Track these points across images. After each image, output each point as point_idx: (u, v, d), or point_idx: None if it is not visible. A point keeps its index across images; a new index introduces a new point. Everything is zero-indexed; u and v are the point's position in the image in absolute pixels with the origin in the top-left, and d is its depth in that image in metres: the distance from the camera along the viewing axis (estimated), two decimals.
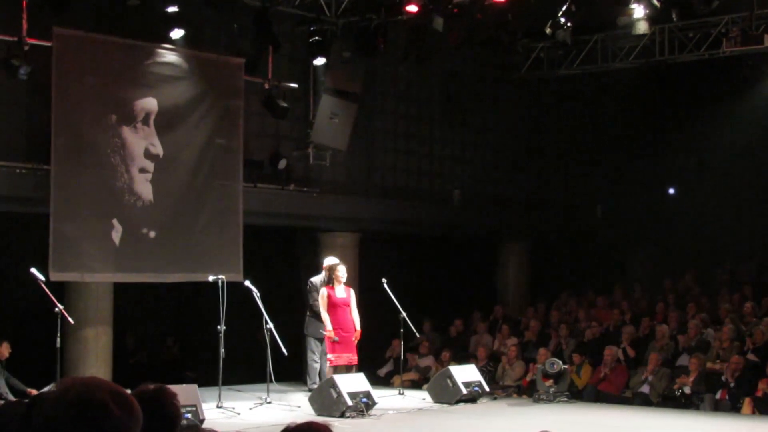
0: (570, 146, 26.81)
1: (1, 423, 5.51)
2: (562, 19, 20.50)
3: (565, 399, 18.47)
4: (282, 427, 4.30)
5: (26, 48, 16.21)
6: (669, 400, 18.08)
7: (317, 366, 19.04)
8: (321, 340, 18.89)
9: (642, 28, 20.38)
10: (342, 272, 18.20)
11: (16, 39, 16.17)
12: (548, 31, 20.79)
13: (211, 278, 16.95)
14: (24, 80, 16.20)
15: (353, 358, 18.02)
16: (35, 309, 16.44)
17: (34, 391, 16.08)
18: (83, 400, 3.07)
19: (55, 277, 16.48)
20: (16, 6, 16.21)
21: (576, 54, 23.23)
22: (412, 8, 18.81)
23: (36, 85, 16.71)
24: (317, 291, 18.69)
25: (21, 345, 17.28)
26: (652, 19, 20.36)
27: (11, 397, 16.32)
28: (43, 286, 15.46)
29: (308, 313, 19.18)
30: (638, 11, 19.90)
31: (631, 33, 20.81)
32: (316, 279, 19.01)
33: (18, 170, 16.84)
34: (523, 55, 24.01)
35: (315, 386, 18.20)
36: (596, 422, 16.50)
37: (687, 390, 17.94)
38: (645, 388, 18.46)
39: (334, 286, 18.11)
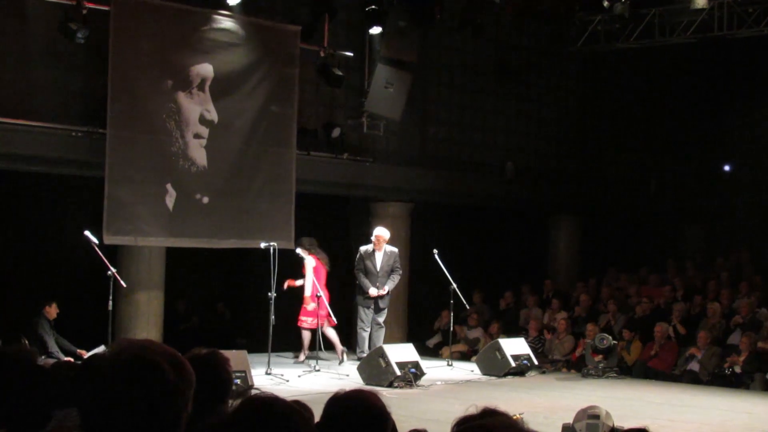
0: (625, 120, 26.60)
1: (55, 382, 5.57)
2: None
3: (614, 375, 18.41)
4: (330, 395, 4.31)
5: (84, 12, 16.28)
6: (719, 378, 17.98)
7: (366, 335, 19.07)
8: (370, 308, 19.00)
9: (701, 2, 20.23)
10: None
11: (74, 3, 16.25)
12: (606, 4, 20.69)
13: (262, 245, 17.01)
14: (81, 44, 16.29)
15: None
16: (88, 272, 16.57)
17: (84, 352, 16.27)
18: (138, 361, 3.09)
19: (108, 240, 16.61)
20: None
21: (633, 28, 22.98)
22: None
23: (93, 49, 16.79)
24: (359, 258, 19.24)
25: (73, 307, 17.44)
26: None
27: (62, 356, 16.51)
28: (97, 249, 15.59)
29: (358, 282, 19.23)
30: None
31: (689, 7, 20.62)
32: (365, 248, 19.11)
33: (74, 133, 16.95)
34: (580, 28, 23.85)
35: (363, 355, 18.37)
36: (645, 398, 16.41)
37: (737, 369, 17.83)
38: (695, 366, 18.37)
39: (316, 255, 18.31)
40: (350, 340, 19.94)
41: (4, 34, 15.99)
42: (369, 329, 19.08)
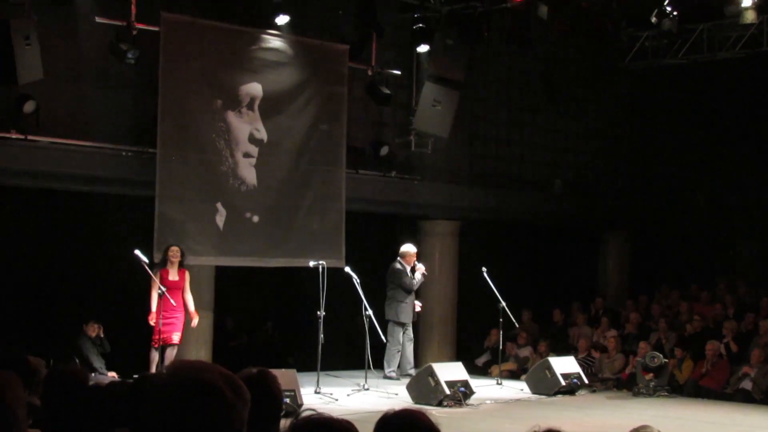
0: (673, 136, 26.44)
1: (106, 401, 5.60)
2: (668, 8, 20.27)
3: (666, 393, 18.29)
4: (379, 414, 4.30)
5: (134, 32, 16.45)
6: None
7: (399, 354, 19.13)
8: (403, 325, 19.08)
9: (750, 17, 20.09)
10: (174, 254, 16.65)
11: (124, 24, 16.41)
12: (653, 19, 20.57)
13: (311, 264, 17.00)
14: (132, 64, 16.42)
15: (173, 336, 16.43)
16: (138, 290, 16.64)
17: (115, 374, 16.43)
18: (195, 382, 3.09)
19: (158, 259, 16.67)
20: None
21: (681, 43, 22.89)
22: None
23: (143, 70, 16.91)
24: (397, 277, 19.22)
25: (123, 326, 17.53)
26: (760, 8, 20.03)
27: (106, 372, 16.65)
28: (147, 267, 15.67)
29: (388, 300, 19.28)
30: (746, 0, 19.60)
31: (738, 22, 20.50)
32: (396, 265, 19.19)
33: (124, 153, 17.07)
34: (628, 44, 23.77)
35: (393, 374, 18.83)
36: (697, 418, 16.29)
37: None
38: (747, 385, 18.18)
39: (168, 269, 16.61)
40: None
41: (55, 55, 16.13)
42: (402, 348, 19.18)
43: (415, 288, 19.22)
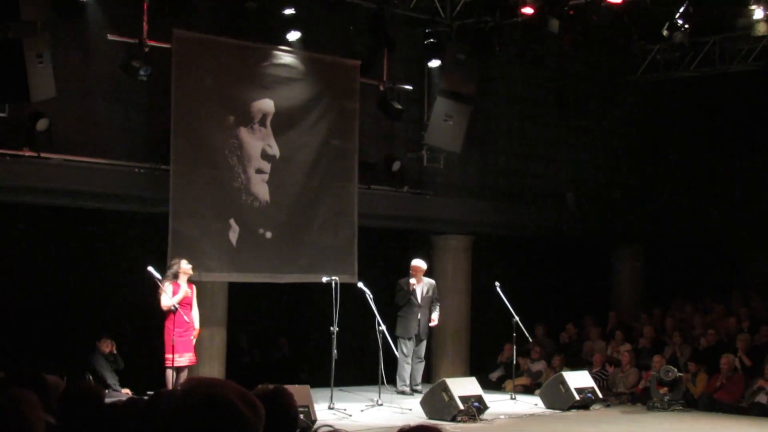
0: (686, 149, 26.40)
1: (123, 419, 5.59)
2: (680, 21, 20.25)
3: (680, 407, 18.22)
4: (393, 430, 4.30)
5: (146, 50, 16.49)
6: None
7: (409, 368, 19.10)
8: (411, 340, 19.05)
9: (761, 29, 20.05)
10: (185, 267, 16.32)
11: (136, 41, 16.46)
12: (665, 32, 20.56)
13: (324, 279, 16.97)
14: (144, 81, 16.47)
15: (192, 357, 16.32)
16: (151, 307, 16.64)
17: (129, 391, 16.40)
18: (210, 399, 3.09)
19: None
20: (137, 8, 16.50)
21: (693, 56, 22.87)
22: (528, 10, 18.74)
23: (155, 86, 16.95)
24: (401, 291, 19.27)
25: (136, 343, 17.54)
26: None
27: (120, 389, 16.65)
28: (160, 284, 15.67)
29: (399, 314, 19.26)
30: (758, 12, 19.62)
31: (750, 34, 20.48)
32: (405, 281, 19.18)
33: (137, 170, 17.10)
34: (639, 57, 23.76)
35: (406, 388, 18.72)
36: None
37: None
38: (762, 399, 18.10)
39: (179, 283, 16.20)
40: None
41: (68, 72, 16.19)
42: (411, 362, 19.13)
43: (402, 303, 19.20)
